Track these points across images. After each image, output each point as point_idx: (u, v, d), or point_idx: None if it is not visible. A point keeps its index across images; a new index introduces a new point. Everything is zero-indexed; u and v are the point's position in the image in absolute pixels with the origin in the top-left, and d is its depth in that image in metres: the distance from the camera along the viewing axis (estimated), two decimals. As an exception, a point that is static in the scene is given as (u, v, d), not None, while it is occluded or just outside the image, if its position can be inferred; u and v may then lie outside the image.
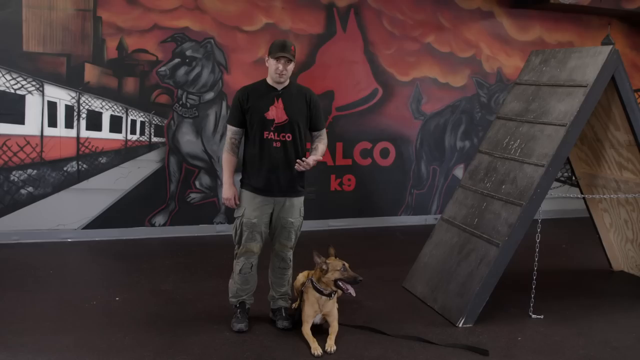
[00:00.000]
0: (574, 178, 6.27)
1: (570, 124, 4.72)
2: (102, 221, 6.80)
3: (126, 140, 6.81)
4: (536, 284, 4.90)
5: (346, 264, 4.25)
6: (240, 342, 4.24)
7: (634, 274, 6.09)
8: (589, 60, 4.92)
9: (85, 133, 6.64)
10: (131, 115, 6.80)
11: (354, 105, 7.61)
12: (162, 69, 6.82)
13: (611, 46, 4.83)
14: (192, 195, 7.13)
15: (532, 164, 4.80)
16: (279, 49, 4.19)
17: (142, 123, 6.85)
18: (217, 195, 7.19)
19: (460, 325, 4.60)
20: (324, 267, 4.25)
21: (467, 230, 5.07)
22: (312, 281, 4.35)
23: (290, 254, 4.54)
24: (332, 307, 4.36)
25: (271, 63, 4.24)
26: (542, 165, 4.70)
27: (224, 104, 7.06)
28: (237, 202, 4.36)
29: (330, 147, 7.45)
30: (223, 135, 7.10)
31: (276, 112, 4.26)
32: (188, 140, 7.02)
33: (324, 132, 4.49)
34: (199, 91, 6.98)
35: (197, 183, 7.12)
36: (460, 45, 7.95)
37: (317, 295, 4.30)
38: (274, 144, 4.27)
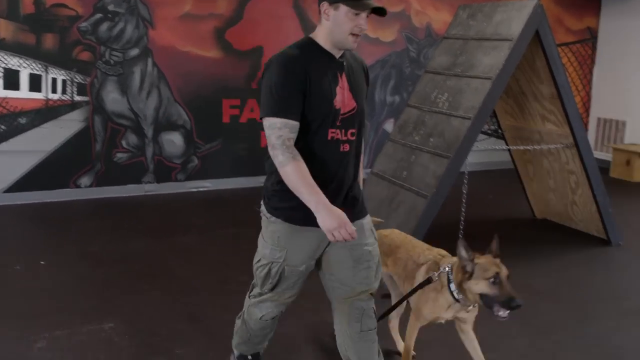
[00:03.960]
0: (499, 130, 6.43)
1: (496, 77, 4.80)
2: (24, 184, 6.54)
3: (47, 100, 6.54)
4: (463, 233, 5.03)
5: (503, 272, 2.76)
6: (170, 302, 4.21)
7: (555, 222, 6.32)
8: (514, 14, 4.99)
9: (2, 92, 6.34)
10: (51, 73, 6.52)
11: (284, 61, 7.51)
12: (83, 24, 6.54)
13: (536, 1, 4.91)
14: (119, 155, 6.94)
15: (459, 117, 4.88)
16: None
17: (64, 81, 6.58)
18: (145, 155, 7.03)
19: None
20: (469, 268, 2.79)
21: (396, 184, 5.13)
22: (448, 277, 2.90)
23: (373, 304, 2.83)
24: (471, 314, 3.03)
25: (342, 15, 2.57)
26: (469, 118, 4.78)
27: (149, 60, 6.85)
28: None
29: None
30: (150, 93, 6.92)
31: (343, 97, 2.60)
32: (113, 98, 6.79)
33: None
34: (123, 47, 6.74)
35: (123, 142, 6.93)
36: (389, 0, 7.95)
37: (452, 300, 2.92)
38: (342, 148, 2.62)
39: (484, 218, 6.46)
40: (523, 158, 6.36)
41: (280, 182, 2.55)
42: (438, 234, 5.32)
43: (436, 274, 2.92)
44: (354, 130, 2.64)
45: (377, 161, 5.61)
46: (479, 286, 2.72)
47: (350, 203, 2.70)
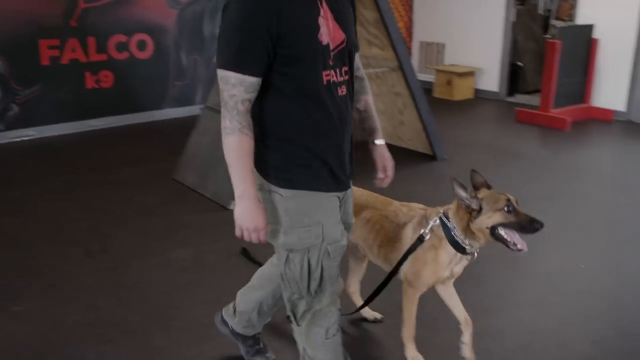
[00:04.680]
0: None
1: (320, 3, 4.85)
2: None
3: None
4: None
5: (512, 198, 2.48)
6: (1, 258, 3.97)
7: (385, 142, 6.62)
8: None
9: None
10: None
11: (103, -5, 7.09)
12: None
13: None
14: None
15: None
16: None
17: None
18: None
19: (232, 207, 4.70)
20: (474, 205, 2.48)
21: (231, 116, 5.11)
22: (447, 227, 2.56)
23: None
24: (460, 270, 2.72)
25: None
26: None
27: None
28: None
29: (82, 43, 6.94)
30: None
31: (328, 29, 2.07)
32: None
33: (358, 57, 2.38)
34: None
35: None
36: None
37: (453, 253, 2.59)
38: (340, 91, 2.13)
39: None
40: (352, 83, 6.54)
41: (280, 143, 2.08)
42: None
43: (426, 230, 2.58)
44: (346, 68, 2.15)
45: (210, 95, 5.54)
46: (492, 219, 2.43)
47: (349, 169, 2.27)
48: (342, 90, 2.12)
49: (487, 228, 2.45)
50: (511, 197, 2.46)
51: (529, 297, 3.44)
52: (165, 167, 5.62)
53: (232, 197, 4.77)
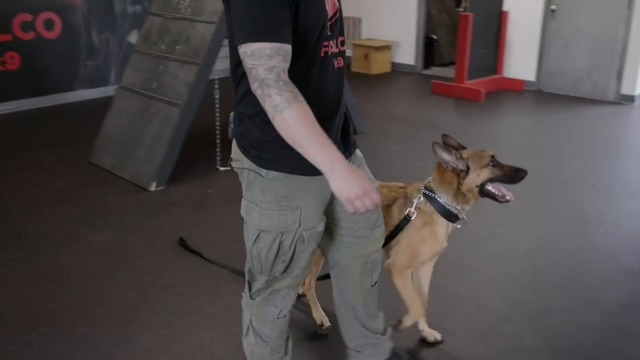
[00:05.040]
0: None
1: (234, -22, 4.78)
2: None
3: None
4: (221, 138, 5.09)
5: (494, 153, 2.52)
6: None
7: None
8: None
9: None
10: None
11: (4, -28, 6.74)
12: None
13: None
14: None
15: (203, 21, 4.82)
16: None
17: None
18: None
19: (153, 189, 4.64)
20: (462, 166, 2.45)
21: (147, 95, 4.99)
22: (435, 200, 2.51)
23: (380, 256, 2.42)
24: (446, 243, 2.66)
25: None
26: (213, 22, 4.74)
27: None
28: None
29: (-17, 22, 6.60)
30: None
31: None
32: None
33: None
34: None
35: None
36: None
37: (446, 224, 2.54)
38: (337, 63, 2.03)
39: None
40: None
41: (262, 124, 1.90)
42: (197, 141, 5.36)
43: (412, 209, 2.50)
44: (342, 38, 2.04)
45: (124, 75, 5.40)
46: (481, 176, 2.44)
47: (346, 133, 2.16)
48: (339, 62, 2.02)
49: (476, 186, 2.45)
50: (493, 153, 2.49)
51: (450, 262, 3.55)
52: (80, 150, 5.44)
53: (153, 178, 4.66)
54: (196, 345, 2.84)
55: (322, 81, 1.95)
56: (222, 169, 5.05)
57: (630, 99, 7.62)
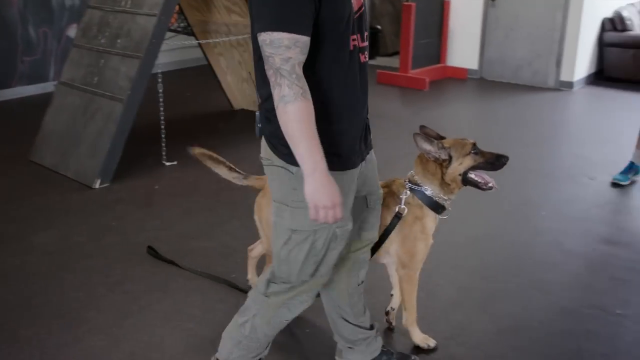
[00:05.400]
0: (189, 27, 6.40)
1: (175, -30, 4.71)
2: None
3: None
4: (166, 133, 5.03)
5: (474, 141, 2.54)
6: None
7: (251, 110, 6.62)
8: None
9: None
10: None
11: None
12: None
13: None
14: None
15: (144, 14, 4.73)
16: None
17: None
18: None
19: (97, 186, 4.54)
20: (444, 155, 2.45)
21: (88, 91, 4.88)
22: (422, 192, 2.50)
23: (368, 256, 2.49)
24: None
25: None
26: (154, 14, 4.66)
27: None
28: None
29: None
30: None
31: None
32: None
33: None
34: None
35: None
36: None
37: (434, 216, 2.55)
38: (362, 58, 2.02)
39: (185, 116, 6.50)
40: (215, 52, 6.45)
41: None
42: (142, 137, 5.27)
43: (402, 205, 2.48)
44: (367, 33, 2.06)
45: (64, 70, 5.26)
46: (464, 164, 2.44)
47: (368, 130, 2.17)
48: (364, 56, 2.02)
49: (459, 175, 2.45)
50: (473, 141, 2.50)
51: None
52: (20, 149, 5.28)
53: (97, 175, 4.58)
54: (146, 343, 2.80)
55: (353, 75, 1.96)
56: (168, 164, 4.98)
57: (569, 85, 7.84)
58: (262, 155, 2.07)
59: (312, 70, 1.86)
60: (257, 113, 2.06)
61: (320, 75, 1.89)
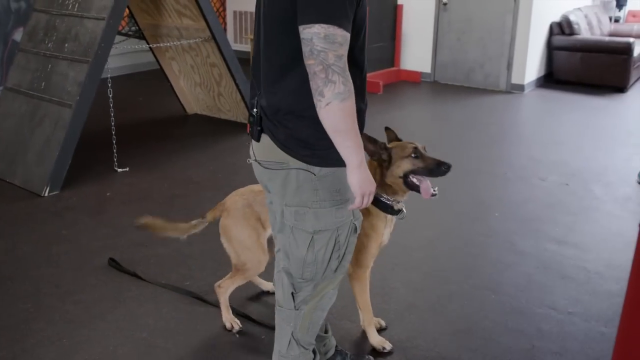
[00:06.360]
0: (140, 31, 6.31)
1: (124, -27, 4.63)
2: None
3: None
4: (117, 139, 4.93)
5: (419, 145, 2.51)
6: None
7: (205, 114, 6.55)
8: None
9: None
10: None
11: None
12: None
13: None
14: None
15: (93, 18, 4.64)
16: None
17: None
18: None
19: (46, 194, 4.43)
20: (384, 156, 2.46)
21: (35, 96, 4.76)
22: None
23: None
24: (389, 237, 2.71)
25: None
26: (103, 18, 4.58)
27: None
28: None
29: None
30: None
31: None
32: None
33: None
34: None
35: None
36: None
37: (384, 216, 2.57)
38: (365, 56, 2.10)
39: (137, 121, 6.40)
40: (166, 56, 6.37)
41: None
42: (92, 143, 5.17)
43: None
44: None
45: (10, 75, 5.12)
46: (402, 167, 2.42)
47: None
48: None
49: (399, 177, 2.43)
50: (418, 144, 2.47)
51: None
52: (-36, 156, 5.13)
53: (45, 183, 4.48)
54: (98, 354, 2.74)
55: (365, 71, 2.01)
56: (120, 170, 4.89)
57: (520, 87, 7.99)
58: (267, 159, 2.02)
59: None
60: (253, 115, 2.02)
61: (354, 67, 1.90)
